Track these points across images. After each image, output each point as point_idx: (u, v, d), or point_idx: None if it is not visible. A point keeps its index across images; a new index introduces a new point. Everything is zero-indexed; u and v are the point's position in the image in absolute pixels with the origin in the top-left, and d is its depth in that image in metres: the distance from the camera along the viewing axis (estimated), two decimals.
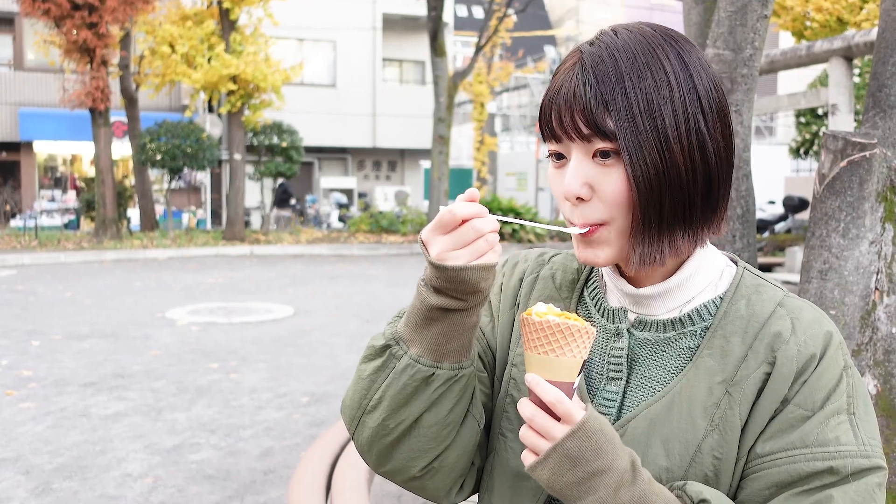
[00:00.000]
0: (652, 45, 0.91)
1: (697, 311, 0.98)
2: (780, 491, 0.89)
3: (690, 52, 0.92)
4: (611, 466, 0.84)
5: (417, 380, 0.95)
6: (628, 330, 1.00)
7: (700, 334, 0.97)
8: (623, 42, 0.91)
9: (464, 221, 0.88)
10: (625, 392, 0.99)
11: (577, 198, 0.91)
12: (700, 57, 0.93)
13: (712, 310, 0.98)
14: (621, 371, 0.99)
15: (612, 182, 0.90)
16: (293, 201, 23.96)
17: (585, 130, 0.89)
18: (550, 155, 0.96)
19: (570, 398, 0.86)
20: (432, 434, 0.98)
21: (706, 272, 0.99)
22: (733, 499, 0.93)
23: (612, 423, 0.97)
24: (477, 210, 0.88)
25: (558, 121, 0.91)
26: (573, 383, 0.87)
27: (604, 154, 0.90)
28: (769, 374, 0.92)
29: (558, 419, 0.85)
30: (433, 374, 0.95)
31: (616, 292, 1.02)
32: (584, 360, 0.88)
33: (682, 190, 0.91)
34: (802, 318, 0.94)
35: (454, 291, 0.90)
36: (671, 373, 0.97)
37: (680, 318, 0.98)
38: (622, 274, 1.01)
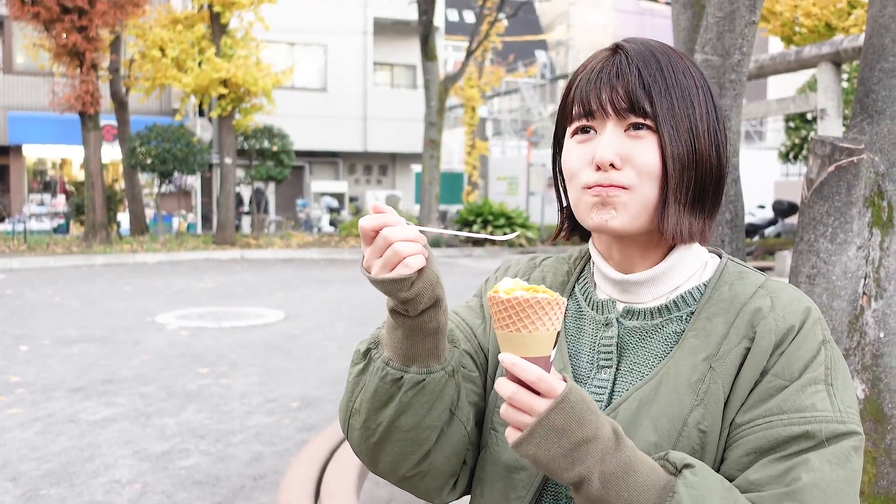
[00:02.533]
0: (679, 55, 1.01)
1: (683, 297, 1.02)
2: (759, 457, 0.92)
3: (703, 74, 1.03)
4: (595, 434, 0.86)
5: (388, 382, 0.98)
6: (617, 319, 1.04)
7: (686, 319, 1.01)
8: (657, 46, 1.01)
9: (377, 232, 0.89)
10: (615, 379, 1.02)
11: (610, 164, 0.96)
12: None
13: (697, 296, 1.02)
14: (611, 359, 1.03)
15: (646, 153, 0.96)
16: (246, 208, 23.89)
17: (625, 105, 0.96)
18: (575, 131, 1.00)
19: (549, 371, 0.86)
20: (411, 437, 1.00)
21: (691, 261, 1.04)
22: (717, 471, 0.95)
23: (604, 409, 1.01)
24: (383, 220, 0.89)
25: (597, 96, 0.97)
26: (549, 356, 0.87)
27: (636, 126, 0.96)
28: (749, 349, 0.96)
29: (538, 394, 0.85)
30: (401, 377, 0.97)
31: (605, 284, 1.06)
32: (559, 332, 0.87)
33: (702, 177, 0.99)
34: (782, 297, 0.99)
35: (391, 299, 0.93)
36: (659, 357, 1.00)
37: (666, 305, 1.02)
38: (611, 264, 1.05)
